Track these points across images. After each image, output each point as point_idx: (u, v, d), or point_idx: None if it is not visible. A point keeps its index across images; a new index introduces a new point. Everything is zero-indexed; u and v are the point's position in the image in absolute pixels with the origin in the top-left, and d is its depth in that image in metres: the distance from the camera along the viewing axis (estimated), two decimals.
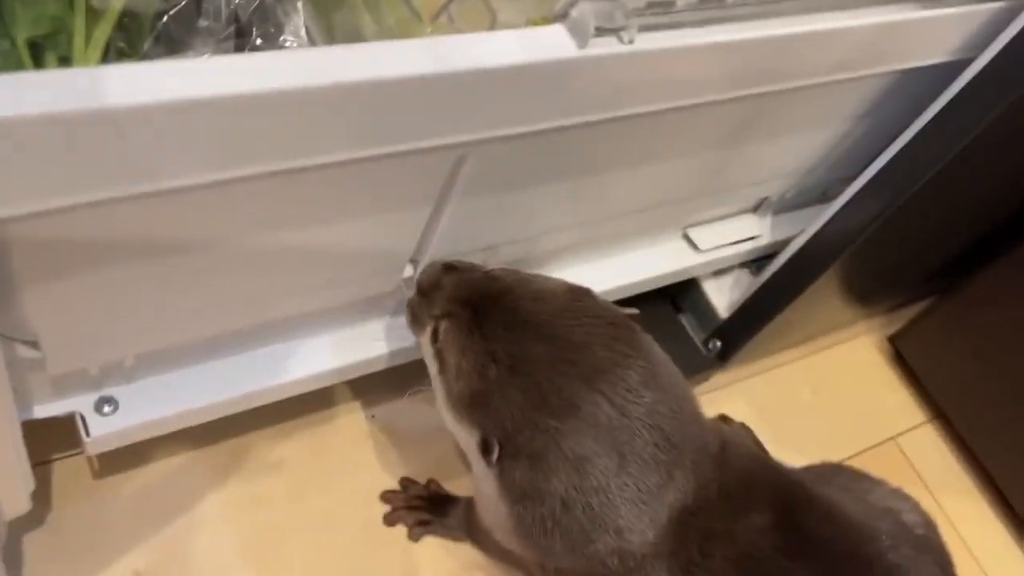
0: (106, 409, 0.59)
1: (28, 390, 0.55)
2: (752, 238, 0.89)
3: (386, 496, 0.77)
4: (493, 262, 0.66)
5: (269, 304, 0.57)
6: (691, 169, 0.71)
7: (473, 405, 0.55)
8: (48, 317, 0.47)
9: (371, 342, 0.68)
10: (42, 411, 0.57)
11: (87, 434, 0.58)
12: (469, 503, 0.71)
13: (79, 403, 0.58)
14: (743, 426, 0.90)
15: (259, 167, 0.42)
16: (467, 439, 0.57)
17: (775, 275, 0.84)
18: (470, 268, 0.59)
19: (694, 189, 0.75)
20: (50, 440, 0.67)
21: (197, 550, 0.69)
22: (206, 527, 0.70)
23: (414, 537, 0.76)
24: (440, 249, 0.62)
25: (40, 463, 0.68)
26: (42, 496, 0.67)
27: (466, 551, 0.76)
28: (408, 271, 0.64)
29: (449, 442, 0.80)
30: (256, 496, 0.73)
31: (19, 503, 0.56)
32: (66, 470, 0.69)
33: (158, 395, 0.60)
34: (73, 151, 0.35)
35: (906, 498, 0.72)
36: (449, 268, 0.59)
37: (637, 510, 0.54)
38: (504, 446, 0.54)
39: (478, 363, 0.55)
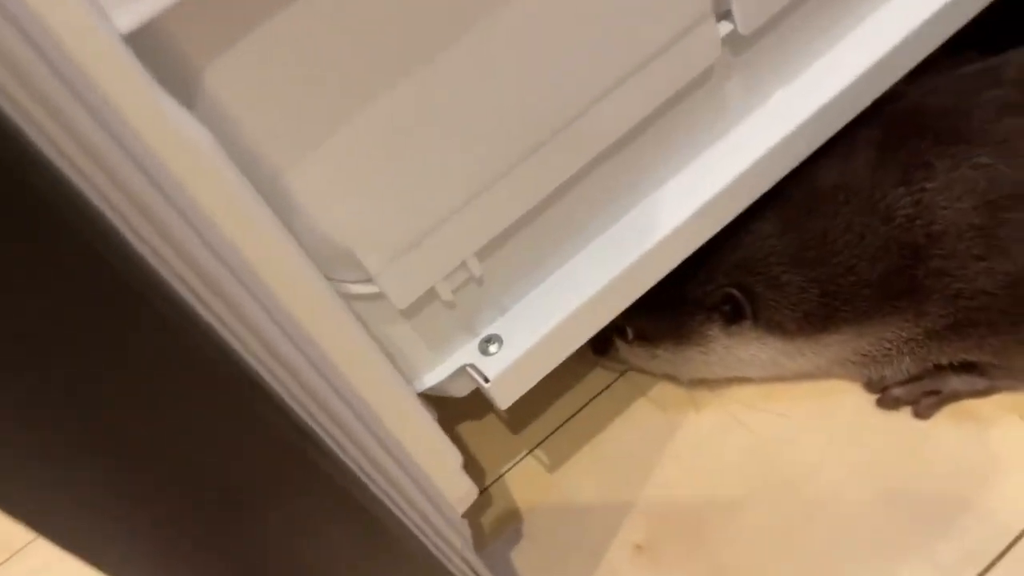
0: (491, 348, 0.50)
1: (405, 357, 0.48)
2: None
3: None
4: None
5: (576, 115, 0.45)
6: None
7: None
8: (346, 212, 0.40)
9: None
10: (431, 377, 0.50)
11: (485, 380, 0.49)
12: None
13: (463, 355, 0.50)
14: None
15: None
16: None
17: None
18: None
19: None
20: (495, 454, 0.60)
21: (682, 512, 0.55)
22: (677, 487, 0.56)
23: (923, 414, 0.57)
24: None
25: (493, 482, 0.61)
26: (511, 510, 0.59)
27: None
28: (723, 27, 0.49)
29: None
30: (713, 447, 0.58)
31: (458, 487, 0.48)
32: (520, 477, 0.61)
33: (537, 310, 0.50)
34: None
35: None
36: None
37: None
38: None
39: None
